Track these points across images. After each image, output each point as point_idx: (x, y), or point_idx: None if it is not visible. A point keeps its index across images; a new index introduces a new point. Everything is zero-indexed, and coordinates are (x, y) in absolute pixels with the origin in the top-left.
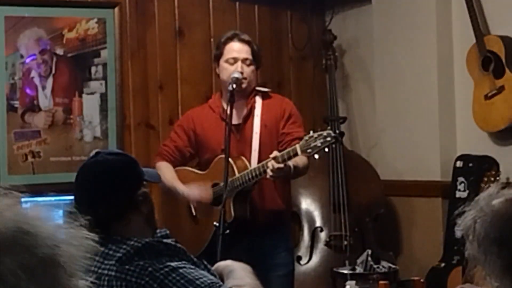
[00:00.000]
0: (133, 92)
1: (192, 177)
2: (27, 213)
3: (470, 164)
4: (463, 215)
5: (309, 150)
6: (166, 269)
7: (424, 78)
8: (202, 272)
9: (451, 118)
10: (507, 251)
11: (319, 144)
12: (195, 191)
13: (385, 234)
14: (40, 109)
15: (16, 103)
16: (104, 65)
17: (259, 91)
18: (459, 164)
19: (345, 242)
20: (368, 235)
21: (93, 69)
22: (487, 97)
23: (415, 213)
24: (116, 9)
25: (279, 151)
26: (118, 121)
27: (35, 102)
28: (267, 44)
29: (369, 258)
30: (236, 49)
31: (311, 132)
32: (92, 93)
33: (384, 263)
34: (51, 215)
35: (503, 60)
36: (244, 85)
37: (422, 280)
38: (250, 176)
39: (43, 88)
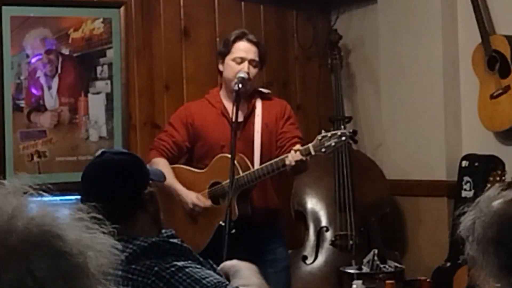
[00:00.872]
0: (138, 92)
1: (190, 175)
2: (54, 214)
3: (476, 164)
4: (463, 216)
5: (323, 150)
6: (173, 269)
7: (430, 77)
8: (208, 271)
9: (457, 118)
10: (504, 252)
11: (333, 144)
12: (193, 195)
13: (391, 233)
14: (45, 109)
15: (22, 103)
16: (110, 65)
17: (260, 92)
18: (464, 163)
19: (351, 242)
20: (374, 234)
21: (98, 68)
22: (492, 97)
23: (421, 213)
24: (122, 8)
25: (278, 148)
26: (124, 121)
27: (41, 101)
28: (273, 44)
29: (375, 258)
30: (245, 49)
31: (323, 131)
32: (97, 93)
33: (390, 263)
34: (74, 217)
35: (509, 60)
36: (248, 86)
37: (428, 280)
38: (264, 172)
39: (49, 87)
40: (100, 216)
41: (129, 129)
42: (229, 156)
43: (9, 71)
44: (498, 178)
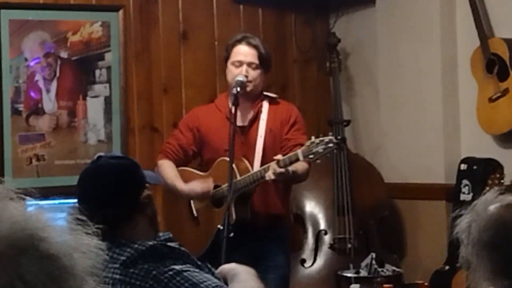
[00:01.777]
0: (137, 95)
1: (194, 178)
2: (38, 218)
3: (475, 167)
4: (460, 218)
5: (311, 156)
6: (171, 273)
7: (429, 80)
8: (206, 275)
9: (455, 121)
10: (498, 255)
11: (321, 150)
12: (195, 186)
13: (389, 237)
14: (44, 112)
15: (21, 107)
16: (108, 68)
17: (267, 96)
18: (463, 167)
19: (349, 245)
20: (373, 238)
21: (97, 72)
22: (491, 100)
23: (420, 216)
24: (120, 12)
25: (282, 156)
26: (123, 124)
27: (40, 105)
28: (271, 47)
29: (374, 261)
30: (243, 52)
31: (313, 137)
32: (96, 96)
33: (388, 266)
34: (55, 220)
35: (507, 63)
36: (248, 88)
37: (426, 283)
38: (251, 179)
39: (48, 91)
40: (83, 217)
41: (127, 132)
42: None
43: (7, 75)
44: (496, 181)
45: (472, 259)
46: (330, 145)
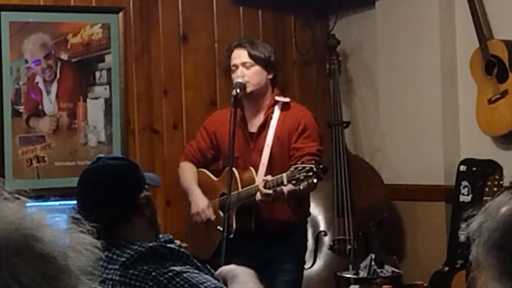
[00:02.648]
0: (137, 97)
1: (208, 181)
2: (32, 218)
3: (474, 168)
4: (471, 218)
5: (293, 182)
6: (170, 274)
7: (428, 82)
8: (206, 276)
9: (455, 122)
10: (506, 257)
11: (302, 177)
12: (204, 203)
13: (389, 238)
14: (44, 114)
15: (21, 108)
16: (109, 70)
17: (279, 101)
18: (462, 168)
19: (349, 246)
20: (372, 239)
21: (97, 74)
22: (490, 101)
23: (419, 217)
24: (121, 14)
25: (290, 165)
26: (123, 126)
27: (40, 107)
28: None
29: (373, 262)
30: (235, 55)
31: (298, 162)
32: (96, 98)
33: (387, 267)
34: (52, 219)
35: (507, 65)
36: (248, 89)
37: (425, 284)
38: (243, 195)
39: (48, 93)
40: (78, 216)
41: (127, 134)
42: (235, 169)
43: (8, 77)
44: (496, 183)
45: (481, 258)
46: (310, 173)
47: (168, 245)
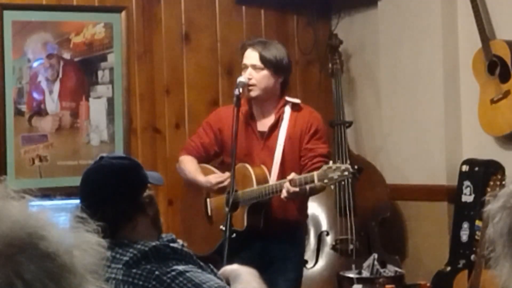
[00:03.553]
0: (139, 96)
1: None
2: (37, 216)
3: (476, 168)
4: (493, 198)
5: (326, 181)
6: (173, 273)
7: (430, 82)
8: (209, 275)
9: (457, 122)
10: None
11: (336, 177)
12: (210, 177)
13: (391, 238)
14: (47, 113)
15: (23, 107)
16: (111, 69)
17: (289, 101)
18: (465, 168)
19: (351, 246)
20: (374, 239)
21: (100, 73)
22: (493, 102)
23: (421, 217)
24: (123, 13)
25: (301, 166)
26: (125, 125)
27: (42, 106)
28: None
29: (376, 262)
30: (247, 55)
31: (331, 162)
32: (99, 97)
33: (390, 267)
34: (56, 219)
35: (509, 65)
36: (253, 93)
37: (428, 284)
38: (267, 191)
39: (50, 92)
40: (84, 215)
41: (130, 133)
42: (248, 166)
43: (10, 76)
44: (498, 183)
45: (496, 240)
46: (346, 173)
47: (171, 244)
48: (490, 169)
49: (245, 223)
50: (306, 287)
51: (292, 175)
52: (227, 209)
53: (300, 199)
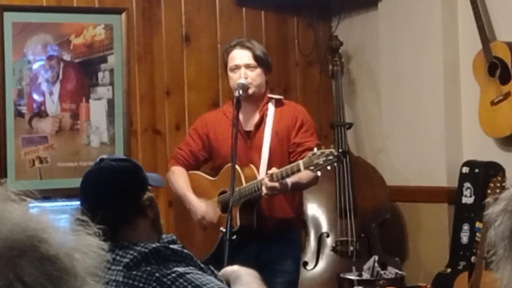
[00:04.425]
0: (140, 98)
1: (203, 182)
2: (38, 219)
3: (476, 170)
4: (495, 201)
5: (311, 167)
6: (173, 275)
7: (431, 84)
8: (209, 277)
9: (457, 124)
10: None
11: (321, 162)
12: (203, 207)
13: (391, 239)
14: (47, 115)
15: (24, 109)
16: (111, 71)
17: (272, 98)
18: (465, 170)
19: (351, 248)
20: (374, 240)
21: (100, 74)
22: (493, 103)
23: (421, 219)
24: (123, 15)
25: (290, 161)
26: (125, 127)
27: (42, 107)
28: (274, 50)
29: (376, 264)
30: (238, 56)
31: (315, 149)
32: (99, 99)
33: (390, 269)
34: (57, 221)
35: (509, 66)
36: (251, 91)
37: (428, 286)
38: (250, 190)
39: (50, 93)
40: (84, 218)
41: (130, 135)
42: (237, 166)
43: (10, 77)
44: (498, 184)
45: (497, 243)
46: (330, 157)
47: (171, 246)
48: (490, 171)
49: (238, 222)
50: None
51: (272, 170)
52: (219, 212)
53: (290, 196)
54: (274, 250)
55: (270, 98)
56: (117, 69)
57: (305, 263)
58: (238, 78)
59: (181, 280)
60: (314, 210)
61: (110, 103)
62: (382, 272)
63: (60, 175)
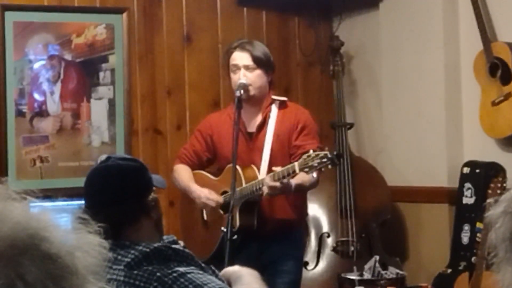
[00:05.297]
0: (141, 98)
1: (206, 181)
2: (39, 218)
3: (477, 171)
4: (495, 204)
5: (306, 169)
6: (175, 274)
7: (431, 84)
8: (210, 277)
9: (458, 124)
10: None
11: (316, 164)
12: (206, 190)
13: (392, 240)
14: (48, 114)
15: (25, 108)
16: (112, 71)
17: (276, 99)
18: (466, 170)
19: (352, 248)
20: (375, 241)
21: (101, 74)
22: (494, 104)
23: (422, 219)
24: (124, 14)
25: (290, 163)
26: (126, 127)
27: (44, 107)
28: (275, 50)
29: (377, 264)
30: (237, 57)
31: (311, 151)
32: (100, 98)
33: (391, 269)
34: (58, 220)
35: (510, 67)
36: (251, 92)
37: (429, 286)
38: (251, 190)
39: (52, 93)
40: (85, 216)
41: (131, 134)
42: (238, 166)
43: (12, 77)
44: (499, 185)
45: (497, 245)
46: (324, 159)
47: (173, 246)
48: (491, 171)
49: (238, 223)
50: None
51: (274, 168)
52: (221, 212)
53: (291, 198)
54: (276, 250)
55: (274, 100)
56: (118, 69)
57: (306, 263)
58: (238, 78)
59: (182, 280)
60: (315, 210)
61: (111, 103)
62: (383, 272)
63: (61, 175)
